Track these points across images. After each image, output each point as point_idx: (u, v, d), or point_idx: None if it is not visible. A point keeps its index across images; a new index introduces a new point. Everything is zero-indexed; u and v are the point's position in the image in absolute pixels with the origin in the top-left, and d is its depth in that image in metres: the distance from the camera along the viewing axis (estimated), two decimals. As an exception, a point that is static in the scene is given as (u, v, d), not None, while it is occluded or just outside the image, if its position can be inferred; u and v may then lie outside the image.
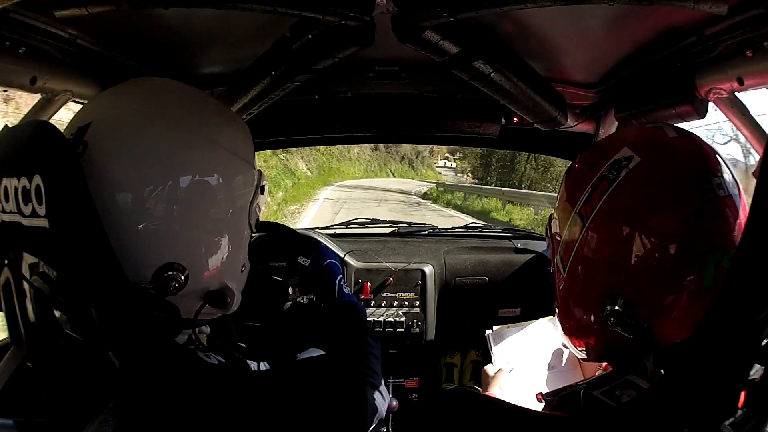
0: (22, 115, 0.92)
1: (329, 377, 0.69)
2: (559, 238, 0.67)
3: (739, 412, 0.43)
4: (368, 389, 0.71)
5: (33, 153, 0.52)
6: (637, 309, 0.58)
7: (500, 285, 1.52)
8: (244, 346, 0.91)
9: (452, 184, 21.64)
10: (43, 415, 0.53)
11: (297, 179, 15.40)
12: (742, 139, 0.84)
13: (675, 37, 0.85)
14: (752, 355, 0.42)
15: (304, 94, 1.19)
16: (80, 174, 0.51)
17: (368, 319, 1.45)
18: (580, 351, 0.68)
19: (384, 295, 1.48)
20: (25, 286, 0.54)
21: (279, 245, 1.21)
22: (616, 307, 0.58)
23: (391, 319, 1.45)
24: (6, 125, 0.59)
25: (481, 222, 2.67)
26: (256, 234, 0.73)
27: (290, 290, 1.11)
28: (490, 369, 0.94)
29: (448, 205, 14.20)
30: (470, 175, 28.16)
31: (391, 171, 31.95)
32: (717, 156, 0.61)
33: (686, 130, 0.64)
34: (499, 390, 0.90)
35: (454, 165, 38.52)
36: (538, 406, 0.66)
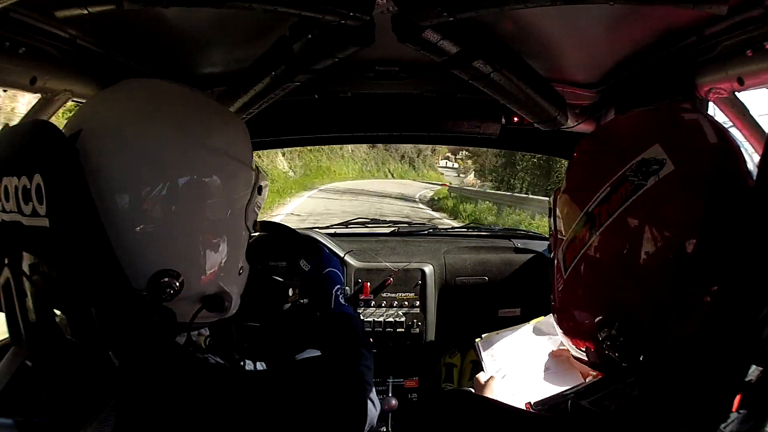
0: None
1: (327, 377, 0.69)
2: (562, 236, 0.61)
3: (736, 414, 0.43)
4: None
5: (33, 152, 0.52)
6: (639, 330, 0.53)
7: (500, 285, 1.52)
8: (245, 345, 0.91)
9: (473, 189, 16.03)
10: (43, 415, 0.53)
11: (272, 181, 12.35)
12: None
13: (675, 37, 0.85)
14: (749, 356, 0.41)
15: (304, 94, 1.19)
16: (81, 173, 0.51)
17: (368, 319, 1.45)
18: (580, 352, 0.64)
19: (384, 295, 1.48)
20: (26, 286, 0.54)
21: (279, 245, 1.21)
22: (613, 331, 0.53)
23: (391, 319, 1.45)
24: (6, 125, 0.59)
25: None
26: (255, 234, 0.72)
27: (290, 291, 1.11)
28: (482, 377, 0.94)
29: (472, 220, 9.57)
30: (475, 176, 26.63)
31: (389, 171, 29.18)
32: (751, 167, 0.53)
33: (725, 131, 0.55)
34: (493, 397, 0.89)
35: (456, 165, 37.03)
36: None
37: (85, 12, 0.67)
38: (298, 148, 15.34)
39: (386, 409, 1.27)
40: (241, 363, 0.73)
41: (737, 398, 0.42)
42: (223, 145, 0.63)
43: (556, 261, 0.64)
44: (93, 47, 0.90)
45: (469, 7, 0.72)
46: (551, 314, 0.68)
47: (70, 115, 0.61)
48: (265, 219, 0.86)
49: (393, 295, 1.48)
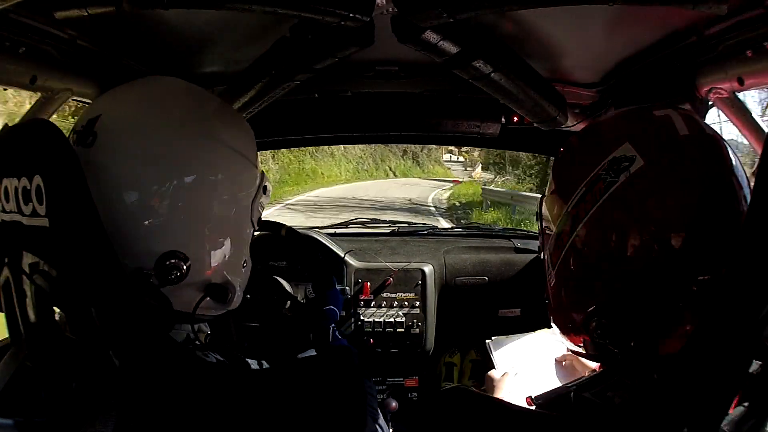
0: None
1: (329, 375, 0.69)
2: (548, 232, 0.63)
3: (739, 410, 0.43)
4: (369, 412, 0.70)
5: (33, 153, 0.52)
6: (626, 318, 0.54)
7: (500, 285, 1.52)
8: (245, 345, 0.91)
9: (504, 191, 11.09)
10: (43, 415, 0.53)
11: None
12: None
13: (675, 37, 0.85)
14: (751, 352, 0.42)
15: (304, 94, 1.20)
16: (80, 173, 0.51)
17: (368, 319, 1.45)
18: (578, 347, 0.66)
19: (384, 295, 1.48)
20: (26, 285, 0.54)
21: (279, 245, 1.21)
22: (603, 320, 0.55)
23: (391, 319, 1.45)
24: (6, 124, 0.59)
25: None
26: (256, 233, 0.73)
27: (289, 289, 1.11)
28: (495, 374, 0.94)
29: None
30: (482, 170, 24.67)
31: (390, 169, 24.83)
32: (733, 157, 0.54)
33: (700, 123, 0.56)
34: (506, 394, 0.90)
35: (461, 159, 34.54)
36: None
37: (85, 13, 0.67)
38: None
39: (386, 411, 1.27)
40: (245, 361, 0.73)
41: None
42: (234, 142, 0.64)
43: (545, 257, 0.66)
44: (93, 47, 0.91)
45: (469, 8, 0.72)
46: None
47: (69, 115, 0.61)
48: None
49: (393, 295, 1.48)
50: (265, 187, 0.69)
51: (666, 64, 0.91)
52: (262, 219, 0.74)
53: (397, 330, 1.45)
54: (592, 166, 0.55)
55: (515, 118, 1.28)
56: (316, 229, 1.66)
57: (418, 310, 1.47)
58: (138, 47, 0.97)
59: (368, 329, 1.44)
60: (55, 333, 0.54)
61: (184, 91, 0.65)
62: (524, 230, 2.07)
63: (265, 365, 0.83)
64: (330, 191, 14.01)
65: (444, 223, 8.56)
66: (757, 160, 0.46)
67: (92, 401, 0.51)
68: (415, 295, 1.48)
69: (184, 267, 0.58)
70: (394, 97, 1.27)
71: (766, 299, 0.41)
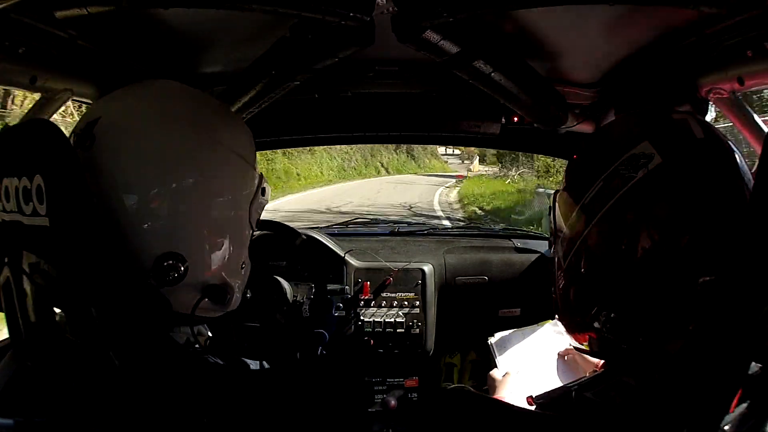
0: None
1: (330, 375, 0.69)
2: (560, 233, 0.63)
3: (739, 410, 0.43)
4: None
5: (34, 153, 0.52)
6: (636, 313, 0.55)
7: (500, 285, 1.52)
8: (245, 345, 0.91)
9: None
10: (43, 415, 0.53)
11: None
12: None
13: (675, 37, 0.85)
14: (751, 353, 0.42)
15: (304, 94, 1.20)
16: (81, 173, 0.52)
17: (368, 319, 1.45)
18: (584, 345, 0.65)
19: (384, 295, 1.48)
20: (26, 285, 0.54)
21: (279, 245, 1.21)
22: (612, 315, 0.56)
23: (391, 319, 1.45)
24: (6, 124, 0.59)
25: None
26: (255, 233, 0.73)
27: (288, 289, 1.11)
28: (496, 373, 0.94)
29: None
30: (479, 162, 23.73)
31: (382, 165, 22.19)
32: (741, 161, 0.55)
33: (713, 128, 0.58)
34: (508, 393, 0.90)
35: (458, 152, 32.76)
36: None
37: (85, 12, 0.67)
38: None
39: (386, 409, 1.27)
40: (245, 362, 0.73)
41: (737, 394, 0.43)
42: (233, 145, 0.64)
43: (556, 257, 0.66)
44: (93, 47, 0.91)
45: (469, 8, 0.72)
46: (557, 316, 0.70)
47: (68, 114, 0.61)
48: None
49: (393, 295, 1.48)
50: (263, 189, 0.70)
51: (666, 64, 0.91)
52: (262, 219, 0.74)
53: (397, 330, 1.45)
54: (609, 163, 0.56)
55: (515, 118, 1.29)
56: (316, 229, 1.66)
57: (418, 310, 1.47)
58: (138, 47, 0.97)
59: (368, 329, 1.44)
60: (55, 333, 0.54)
61: (182, 93, 0.66)
62: (524, 230, 2.07)
63: (266, 366, 0.83)
64: (301, 198, 10.15)
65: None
66: (757, 160, 0.46)
67: (92, 401, 0.51)
68: (415, 295, 1.48)
69: (182, 268, 0.58)
70: (394, 97, 1.27)
71: (765, 298, 0.41)
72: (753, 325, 0.41)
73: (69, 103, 0.94)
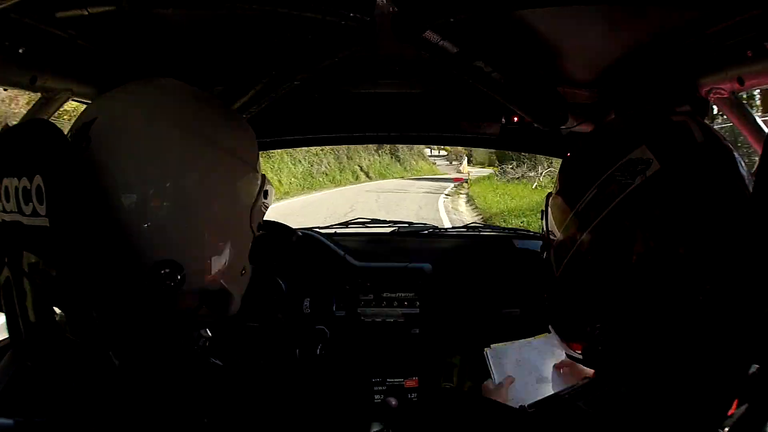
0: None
1: (330, 374, 0.69)
2: (553, 237, 0.61)
3: (739, 411, 0.43)
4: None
5: (33, 153, 0.52)
6: (630, 323, 0.53)
7: (500, 285, 1.51)
8: (245, 345, 0.91)
9: None
10: (43, 415, 0.53)
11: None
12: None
13: (675, 37, 0.85)
14: (750, 356, 0.42)
15: (303, 94, 1.19)
16: (81, 174, 0.51)
17: (368, 319, 1.45)
18: (576, 353, 0.64)
19: (384, 294, 1.47)
20: (26, 285, 0.54)
21: (279, 245, 1.21)
22: (606, 325, 0.54)
23: (391, 319, 1.45)
24: (6, 124, 0.59)
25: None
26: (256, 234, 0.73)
27: (288, 289, 1.11)
28: (490, 384, 0.93)
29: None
30: (469, 161, 23.01)
31: (361, 169, 18.24)
32: (741, 165, 0.54)
33: (713, 131, 0.56)
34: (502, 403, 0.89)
35: (443, 153, 31.64)
36: None
37: (86, 13, 0.67)
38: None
39: (387, 409, 1.27)
40: (243, 363, 0.73)
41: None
42: (233, 146, 0.63)
43: (548, 262, 0.64)
44: (93, 47, 0.91)
45: (469, 8, 0.72)
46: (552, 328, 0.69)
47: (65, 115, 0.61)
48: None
49: (393, 295, 1.48)
50: (266, 192, 0.67)
51: (666, 64, 0.91)
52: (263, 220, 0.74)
53: (397, 330, 1.45)
54: (605, 168, 0.53)
55: (515, 118, 1.29)
56: (316, 229, 1.66)
57: (418, 310, 1.47)
58: (138, 47, 0.97)
59: (368, 329, 1.44)
60: (55, 333, 0.54)
61: (181, 92, 0.64)
62: (524, 230, 2.06)
63: (265, 366, 0.83)
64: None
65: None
66: (757, 160, 0.46)
67: (92, 401, 0.51)
68: (415, 295, 1.48)
69: (178, 276, 0.57)
70: (394, 97, 1.27)
71: (765, 302, 0.41)
72: (754, 330, 0.41)
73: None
